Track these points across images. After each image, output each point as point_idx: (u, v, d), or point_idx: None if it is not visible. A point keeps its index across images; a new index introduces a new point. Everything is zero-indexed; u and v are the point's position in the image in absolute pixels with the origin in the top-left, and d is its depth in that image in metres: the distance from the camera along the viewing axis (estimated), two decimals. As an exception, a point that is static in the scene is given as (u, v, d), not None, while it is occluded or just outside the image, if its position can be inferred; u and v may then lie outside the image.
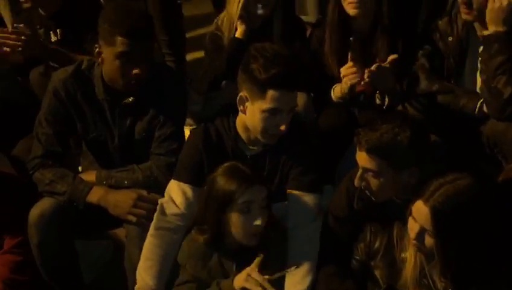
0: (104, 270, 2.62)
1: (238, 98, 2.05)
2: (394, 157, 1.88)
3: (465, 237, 1.79)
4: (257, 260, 1.92)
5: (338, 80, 2.39)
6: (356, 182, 1.95)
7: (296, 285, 1.99)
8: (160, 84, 2.27)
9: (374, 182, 1.93)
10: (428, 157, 1.94)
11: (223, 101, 2.37)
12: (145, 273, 2.06)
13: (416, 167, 1.92)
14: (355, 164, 2.00)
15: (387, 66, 2.27)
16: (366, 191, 1.95)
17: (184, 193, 2.12)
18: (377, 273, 1.99)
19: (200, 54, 3.03)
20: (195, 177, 2.12)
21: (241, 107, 2.06)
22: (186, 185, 2.12)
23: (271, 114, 2.00)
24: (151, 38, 2.23)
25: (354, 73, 2.25)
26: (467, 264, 1.81)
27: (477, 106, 2.23)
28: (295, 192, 2.09)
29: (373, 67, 2.25)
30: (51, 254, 2.22)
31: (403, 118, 1.98)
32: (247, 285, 1.89)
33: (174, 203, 2.11)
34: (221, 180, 1.96)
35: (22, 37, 2.47)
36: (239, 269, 1.97)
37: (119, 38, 2.11)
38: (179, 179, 2.14)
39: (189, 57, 3.45)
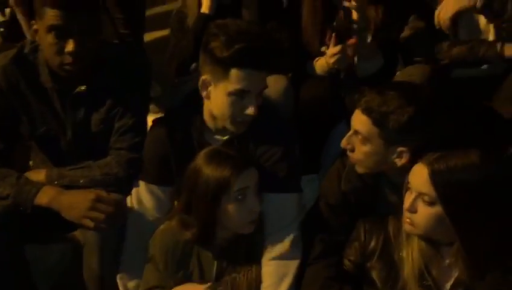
0: (61, 278, 2.43)
1: (199, 82, 1.91)
2: (387, 128, 1.79)
3: (473, 210, 1.68)
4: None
5: (318, 54, 2.29)
6: (343, 142, 1.87)
7: None
8: (118, 68, 2.06)
9: (359, 148, 1.85)
10: (426, 145, 1.81)
11: (193, 87, 2.14)
12: (129, 283, 1.97)
13: (407, 149, 1.81)
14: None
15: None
16: (349, 155, 1.88)
17: (155, 196, 2.01)
18: (374, 275, 1.84)
19: (162, 33, 2.79)
20: (164, 176, 2.00)
21: (204, 93, 1.92)
22: (156, 186, 2.01)
23: (237, 97, 1.86)
24: (92, 11, 1.98)
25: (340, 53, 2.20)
26: (481, 242, 1.70)
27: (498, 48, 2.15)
28: (269, 194, 1.92)
29: (353, 41, 2.21)
30: None
31: (416, 90, 1.86)
32: None
33: (146, 208, 2.01)
34: (209, 169, 1.83)
35: None
36: (219, 269, 1.89)
37: (48, 10, 1.90)
38: (147, 181, 2.02)
39: (149, 37, 3.21)
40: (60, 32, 1.91)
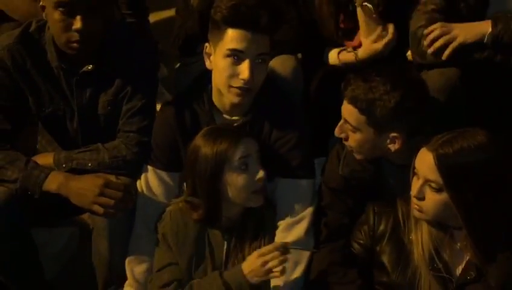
0: (69, 263, 2.42)
1: (204, 49, 1.92)
2: (375, 116, 1.76)
3: (476, 193, 1.65)
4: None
5: (335, 39, 2.20)
6: (336, 131, 1.85)
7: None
8: (126, 48, 2.01)
9: (352, 136, 1.83)
10: (419, 127, 1.78)
11: (199, 68, 2.12)
12: (136, 267, 1.95)
13: (399, 134, 1.77)
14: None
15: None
16: (345, 143, 1.86)
17: (163, 182, 1.99)
18: (384, 258, 1.82)
19: (167, 14, 2.73)
20: (173, 162, 1.99)
21: (208, 62, 1.93)
22: (165, 172, 1.99)
23: (233, 60, 1.84)
24: None
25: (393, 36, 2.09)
26: (488, 227, 1.68)
27: None
28: (284, 179, 1.93)
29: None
30: (3, 250, 1.98)
31: (403, 73, 1.81)
32: (262, 260, 1.72)
33: (154, 193, 1.99)
34: (206, 146, 1.83)
35: None
36: (228, 249, 1.88)
37: None
38: (155, 166, 2.00)
39: (154, 18, 3.13)
40: (68, 9, 1.86)
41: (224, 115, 1.96)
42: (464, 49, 1.95)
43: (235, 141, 1.81)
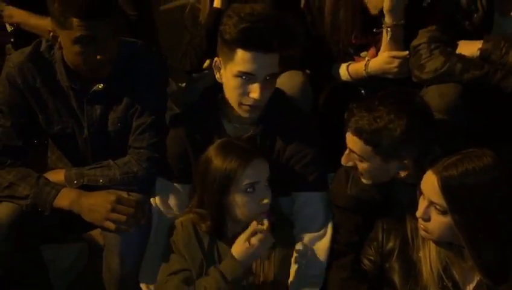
0: (77, 279, 2.41)
1: (213, 63, 1.93)
2: (381, 145, 1.74)
3: (481, 217, 1.63)
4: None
5: (344, 55, 2.20)
6: (343, 160, 1.83)
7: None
8: (135, 65, 2.02)
9: (359, 165, 1.81)
10: (427, 149, 1.77)
11: (207, 83, 2.14)
12: (151, 280, 1.92)
13: (408, 160, 1.77)
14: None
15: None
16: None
17: (177, 194, 2.00)
18: (393, 276, 1.80)
19: (176, 30, 2.73)
20: (185, 174, 1.99)
21: (218, 75, 1.94)
22: (178, 185, 2.00)
23: (242, 80, 1.84)
24: (114, 15, 1.92)
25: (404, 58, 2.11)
26: (494, 247, 1.66)
27: None
28: (301, 193, 1.95)
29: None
30: (13, 268, 1.98)
31: (406, 99, 1.78)
32: (252, 242, 1.75)
33: (169, 206, 1.99)
34: (217, 160, 1.82)
35: None
36: None
37: (74, 20, 1.83)
38: (168, 178, 2.00)
39: (163, 34, 3.13)
40: (88, 43, 1.86)
41: (235, 124, 1.97)
42: (463, 65, 2.00)
43: (245, 163, 1.78)
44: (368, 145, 1.74)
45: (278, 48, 1.83)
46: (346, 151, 1.81)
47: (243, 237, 1.77)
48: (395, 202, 1.89)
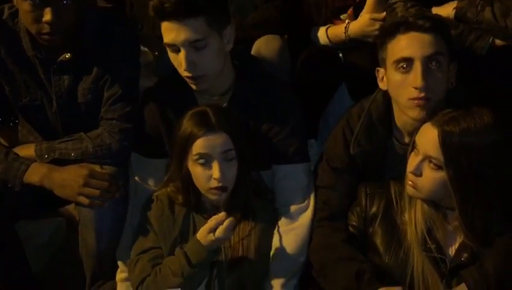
0: (56, 254, 2.39)
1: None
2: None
3: (475, 176, 1.63)
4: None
5: (325, 18, 2.17)
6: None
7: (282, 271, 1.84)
8: (104, 35, 1.96)
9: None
10: None
11: None
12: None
13: None
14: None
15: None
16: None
17: (153, 169, 1.97)
18: (377, 240, 1.79)
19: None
20: (159, 148, 1.96)
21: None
22: (154, 159, 1.97)
23: (171, 51, 1.84)
24: None
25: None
26: (484, 209, 1.65)
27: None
28: (281, 166, 1.91)
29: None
30: None
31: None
32: (217, 234, 1.73)
33: (146, 181, 1.96)
34: (185, 124, 1.82)
35: None
36: None
37: None
38: (143, 154, 1.98)
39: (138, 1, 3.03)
40: (37, 1, 1.80)
41: (206, 96, 1.93)
42: None
43: (198, 132, 1.77)
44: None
45: (197, 12, 1.76)
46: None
47: (206, 228, 1.74)
48: (389, 170, 1.86)
